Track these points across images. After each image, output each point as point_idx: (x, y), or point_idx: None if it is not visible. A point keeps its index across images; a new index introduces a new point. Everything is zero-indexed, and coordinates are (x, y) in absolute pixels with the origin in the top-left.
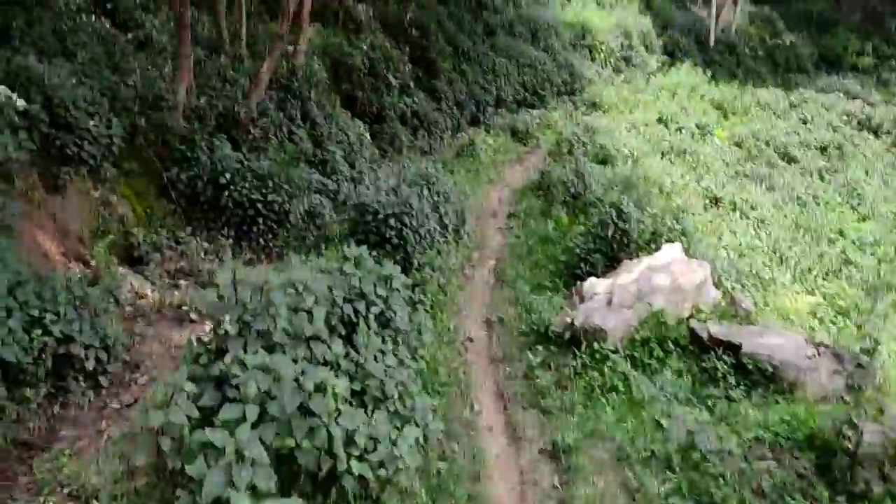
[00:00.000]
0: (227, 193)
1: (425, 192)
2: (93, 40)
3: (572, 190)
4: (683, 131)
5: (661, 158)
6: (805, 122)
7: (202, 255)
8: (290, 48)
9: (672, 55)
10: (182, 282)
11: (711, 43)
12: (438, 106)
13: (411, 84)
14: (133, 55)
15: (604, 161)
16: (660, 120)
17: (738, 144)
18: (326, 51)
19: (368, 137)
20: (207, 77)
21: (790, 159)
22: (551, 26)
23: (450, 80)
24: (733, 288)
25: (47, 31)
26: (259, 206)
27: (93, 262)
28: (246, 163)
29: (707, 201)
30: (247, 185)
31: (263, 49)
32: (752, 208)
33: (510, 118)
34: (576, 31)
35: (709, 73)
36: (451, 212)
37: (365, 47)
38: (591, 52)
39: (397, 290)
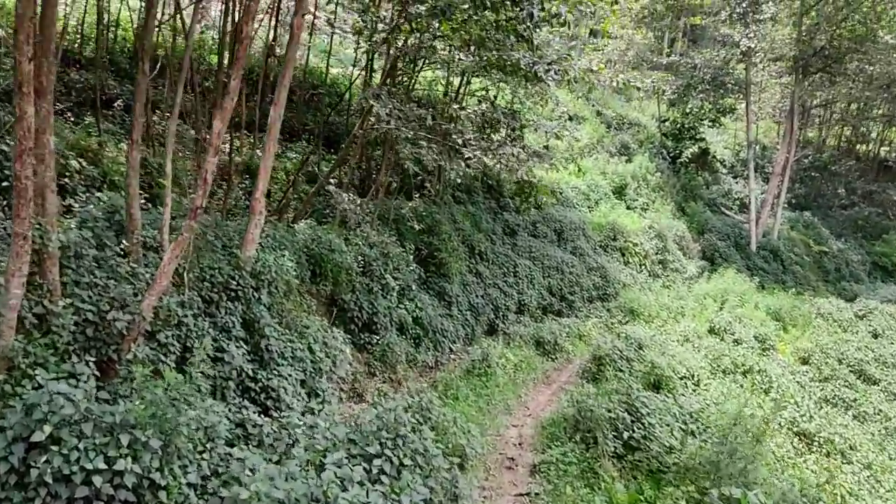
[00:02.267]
0: (44, 460)
1: (388, 450)
2: None
3: (626, 434)
4: (742, 345)
5: (724, 379)
6: (876, 336)
7: None
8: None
9: (711, 260)
10: None
11: (753, 248)
12: (449, 311)
13: (414, 286)
14: None
15: (657, 385)
16: (712, 331)
17: (805, 361)
18: (305, 245)
19: (348, 352)
20: (79, 262)
21: (868, 379)
22: (578, 227)
23: (463, 283)
24: None
25: None
26: (97, 481)
27: None
28: (92, 407)
29: (796, 439)
30: (81, 448)
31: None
32: (852, 448)
33: (534, 327)
34: (605, 233)
35: (756, 280)
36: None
37: (359, 242)
38: (623, 254)
39: None
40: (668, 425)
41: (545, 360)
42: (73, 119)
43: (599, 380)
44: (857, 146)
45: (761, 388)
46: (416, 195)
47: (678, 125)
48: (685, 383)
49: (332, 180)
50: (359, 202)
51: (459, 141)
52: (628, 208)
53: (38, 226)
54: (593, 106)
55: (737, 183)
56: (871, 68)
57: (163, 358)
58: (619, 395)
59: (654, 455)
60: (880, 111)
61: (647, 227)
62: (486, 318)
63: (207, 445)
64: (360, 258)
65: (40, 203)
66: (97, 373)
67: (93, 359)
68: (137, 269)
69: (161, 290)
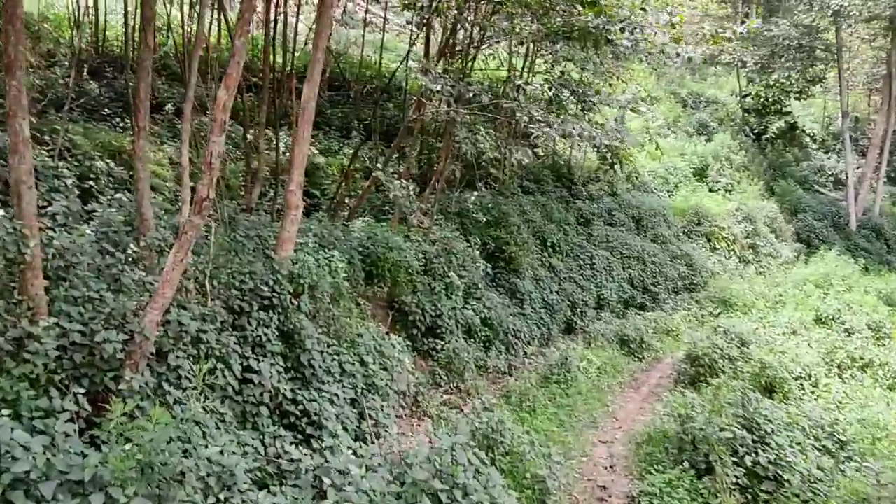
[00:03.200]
0: None
1: None
2: None
3: (748, 459)
4: (855, 335)
5: (843, 376)
6: None
7: None
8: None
9: (808, 243)
10: None
11: (853, 227)
12: (521, 310)
13: (481, 284)
14: None
15: (770, 389)
16: (818, 320)
17: None
18: (360, 244)
19: (408, 362)
20: (72, 271)
21: None
22: (658, 212)
23: (536, 278)
24: None
25: None
26: None
27: None
28: (56, 460)
29: None
30: None
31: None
32: None
33: (617, 324)
34: (688, 218)
35: (860, 262)
36: None
37: (420, 239)
38: (709, 240)
39: None
40: (798, 444)
41: (631, 361)
42: (121, 125)
43: (699, 384)
44: None
45: (885, 384)
46: (481, 185)
47: (761, 99)
48: (801, 385)
49: (389, 172)
50: (412, 190)
51: (525, 118)
52: (711, 191)
53: (11, 230)
54: (667, 85)
55: (829, 158)
56: None
57: (166, 386)
58: (731, 406)
59: (793, 490)
60: None
61: (734, 210)
62: (563, 315)
63: (221, 496)
64: (420, 256)
65: (16, 202)
66: (88, 408)
67: (83, 390)
68: (146, 277)
69: (165, 301)
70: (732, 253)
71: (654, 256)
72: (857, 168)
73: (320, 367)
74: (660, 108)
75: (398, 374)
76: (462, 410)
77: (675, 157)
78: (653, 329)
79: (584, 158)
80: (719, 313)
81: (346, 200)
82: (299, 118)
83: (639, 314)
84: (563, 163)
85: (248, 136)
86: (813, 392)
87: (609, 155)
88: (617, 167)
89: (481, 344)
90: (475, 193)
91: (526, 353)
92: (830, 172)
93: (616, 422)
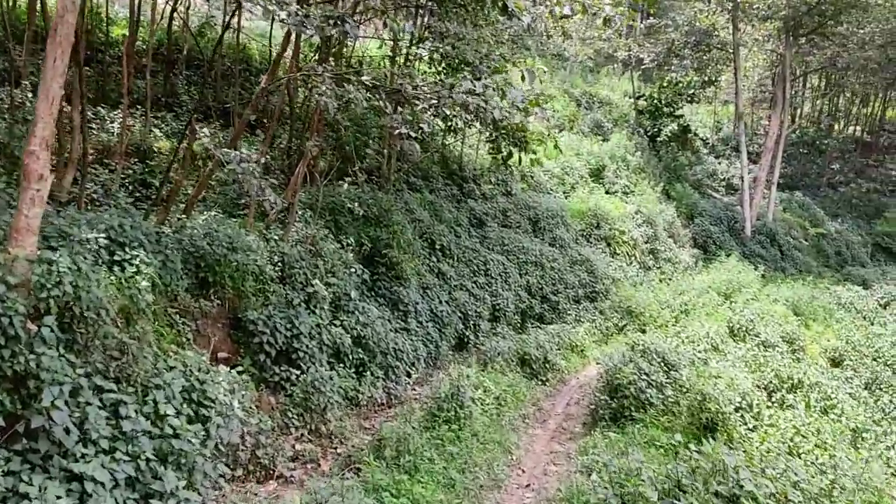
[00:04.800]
0: None
1: None
2: None
3: None
4: (773, 349)
5: (773, 399)
6: None
7: None
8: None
9: (704, 248)
10: None
11: (748, 232)
12: (404, 324)
13: (355, 293)
14: None
15: (712, 427)
16: (732, 332)
17: (836, 362)
18: (192, 242)
19: (238, 404)
20: None
21: None
22: (556, 214)
23: (423, 286)
24: None
25: None
26: None
27: None
28: None
29: None
30: None
31: None
32: None
33: (516, 339)
34: (587, 220)
35: (760, 269)
36: None
37: (277, 238)
38: (609, 244)
39: None
40: None
41: (534, 385)
42: None
43: (622, 421)
44: (844, 121)
45: (818, 408)
46: (362, 180)
47: (654, 101)
48: (743, 417)
49: (220, 142)
50: (258, 164)
51: (409, 88)
52: (608, 192)
53: None
54: (560, 83)
55: (720, 163)
56: (867, 28)
57: None
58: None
59: None
60: (880, 76)
61: (633, 213)
62: (454, 329)
63: None
64: (276, 259)
65: None
66: None
67: None
68: None
69: None
70: (633, 258)
71: (554, 262)
72: (749, 173)
73: (75, 431)
74: (554, 106)
75: (227, 421)
76: (319, 465)
77: (572, 156)
78: (556, 344)
79: (477, 155)
80: (624, 325)
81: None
82: (48, 40)
83: (539, 327)
84: (453, 159)
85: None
86: (756, 428)
87: (507, 142)
88: (522, 156)
89: (352, 370)
90: (347, 181)
91: (409, 379)
92: (722, 177)
93: (522, 475)
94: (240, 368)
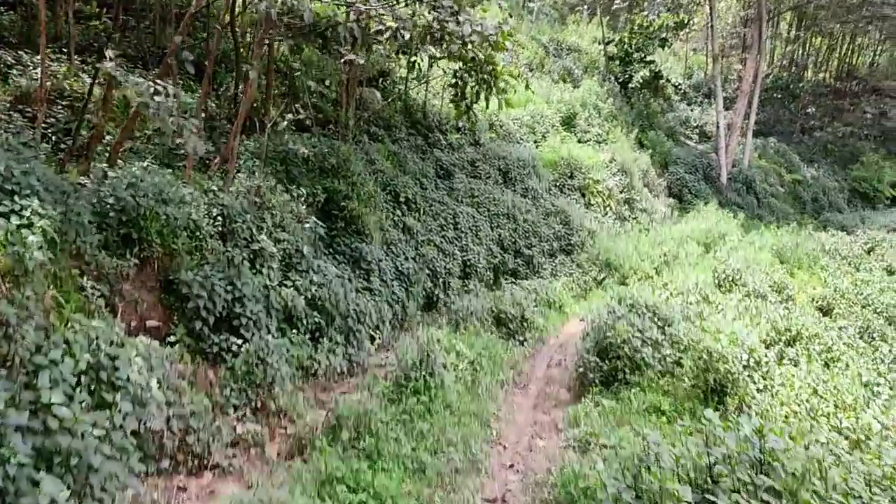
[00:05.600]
0: None
1: None
2: None
3: None
4: (764, 299)
5: (777, 354)
6: (892, 273)
7: None
8: None
9: (679, 197)
10: None
11: (724, 180)
12: (367, 283)
13: (308, 251)
14: None
15: (721, 390)
16: (718, 284)
17: (825, 311)
18: (114, 193)
19: (156, 383)
20: None
21: None
22: (528, 164)
23: (387, 242)
24: None
25: None
26: None
27: None
28: None
29: None
30: None
31: None
32: None
33: (489, 297)
34: (560, 170)
35: (740, 217)
36: None
37: (216, 189)
38: (583, 195)
39: None
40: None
41: (511, 345)
42: None
43: (615, 385)
44: (814, 67)
45: (820, 360)
46: (318, 131)
47: (625, 46)
48: (751, 377)
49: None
50: (173, 100)
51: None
52: (580, 142)
53: None
54: (526, 30)
55: (692, 110)
56: None
57: None
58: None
59: None
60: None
61: (607, 162)
62: (422, 288)
63: None
64: (216, 212)
65: None
66: None
67: None
68: None
69: None
70: (608, 209)
71: (527, 213)
72: (724, 119)
73: None
74: (523, 53)
75: (141, 404)
76: (265, 450)
77: (541, 103)
78: (533, 301)
79: (442, 104)
80: (603, 278)
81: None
82: None
83: (514, 283)
84: (417, 107)
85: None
86: (767, 388)
87: (474, 80)
88: (490, 98)
89: (307, 336)
90: (286, 122)
91: (373, 345)
92: (696, 124)
93: (504, 452)
94: (172, 338)
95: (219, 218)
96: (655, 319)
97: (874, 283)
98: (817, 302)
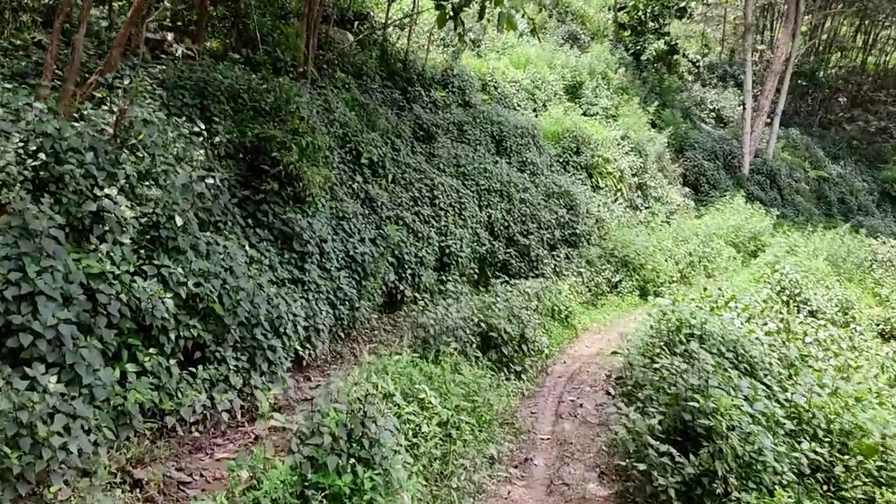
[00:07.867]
0: None
1: None
2: None
3: None
4: (833, 323)
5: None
6: None
7: None
8: None
9: (695, 188)
10: None
11: (746, 171)
12: (299, 273)
13: (195, 217)
14: None
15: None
16: (786, 302)
17: (887, 336)
18: None
19: None
20: None
21: None
22: (527, 133)
23: (338, 215)
24: None
25: None
26: None
27: None
28: None
29: None
30: None
31: None
32: None
33: (473, 303)
34: (564, 144)
35: (773, 213)
36: None
37: (43, 111)
38: (590, 175)
39: None
40: None
41: (503, 382)
42: None
43: None
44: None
45: None
46: (269, 72)
47: (638, 14)
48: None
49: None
50: None
51: None
52: (585, 115)
53: None
54: None
55: (706, 92)
56: None
57: None
58: None
59: None
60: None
61: (619, 139)
62: (381, 281)
63: None
64: (34, 148)
65: None
66: None
67: None
68: None
69: None
70: (619, 194)
71: (524, 192)
72: (740, 104)
73: None
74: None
75: None
76: None
77: (543, 66)
78: (533, 310)
79: (427, 56)
80: (618, 281)
81: None
82: None
83: (505, 280)
84: (397, 55)
85: None
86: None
87: None
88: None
89: (173, 361)
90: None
91: (303, 361)
92: (712, 107)
93: None
94: None
95: (40, 156)
96: (744, 366)
97: None
98: (880, 325)
